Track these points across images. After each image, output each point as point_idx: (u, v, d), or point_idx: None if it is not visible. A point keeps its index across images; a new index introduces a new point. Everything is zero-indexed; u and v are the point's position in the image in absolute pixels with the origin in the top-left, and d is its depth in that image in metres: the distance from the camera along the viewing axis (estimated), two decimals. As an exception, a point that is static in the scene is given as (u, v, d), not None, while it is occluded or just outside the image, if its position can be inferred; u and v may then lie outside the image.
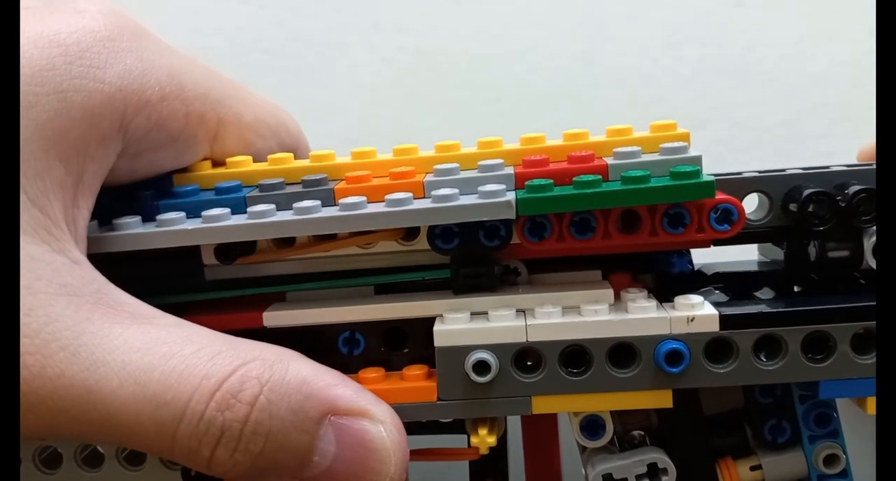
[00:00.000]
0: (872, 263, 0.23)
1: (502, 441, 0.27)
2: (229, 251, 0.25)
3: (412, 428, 0.23)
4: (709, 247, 0.24)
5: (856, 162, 0.26)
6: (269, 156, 0.25)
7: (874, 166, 0.24)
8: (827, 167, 0.25)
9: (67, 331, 0.20)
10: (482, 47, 0.43)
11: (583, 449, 0.25)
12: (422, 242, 0.24)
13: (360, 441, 0.21)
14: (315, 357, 0.22)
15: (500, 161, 0.24)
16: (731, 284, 0.25)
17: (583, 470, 0.29)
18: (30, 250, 0.20)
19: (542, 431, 0.29)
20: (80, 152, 0.21)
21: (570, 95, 0.43)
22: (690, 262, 0.25)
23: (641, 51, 0.43)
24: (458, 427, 0.27)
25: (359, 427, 0.21)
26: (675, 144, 0.23)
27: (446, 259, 0.24)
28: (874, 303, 0.22)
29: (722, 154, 0.43)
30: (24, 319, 0.19)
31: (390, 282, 0.25)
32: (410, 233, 0.24)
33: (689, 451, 0.24)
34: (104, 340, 0.20)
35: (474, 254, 0.24)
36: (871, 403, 0.23)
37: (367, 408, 0.21)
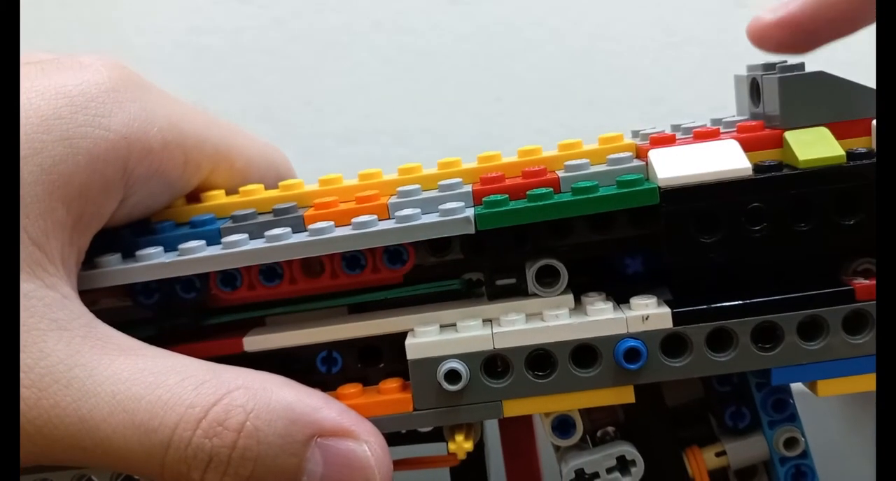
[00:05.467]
0: (534, 289, 0.25)
1: (480, 446, 0.28)
2: None
3: (392, 439, 0.24)
4: (400, 281, 0.25)
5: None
6: (241, 188, 0.27)
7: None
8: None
9: (60, 364, 0.21)
10: (482, 47, 0.44)
11: (557, 448, 0.27)
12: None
13: (345, 461, 0.22)
14: (295, 377, 0.24)
15: (458, 180, 0.25)
16: (684, 282, 0.26)
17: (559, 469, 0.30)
18: (24, 287, 0.21)
19: (519, 434, 0.30)
20: (82, 195, 0.22)
21: (570, 95, 0.44)
22: (643, 264, 0.26)
23: (641, 51, 0.44)
24: (437, 436, 0.28)
25: (344, 447, 0.22)
26: (621, 155, 0.25)
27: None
28: (817, 293, 0.23)
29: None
30: (20, 355, 0.21)
31: (363, 302, 0.26)
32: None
33: (656, 442, 0.26)
34: (94, 372, 0.21)
35: (176, 305, 0.25)
36: (822, 386, 0.24)
37: (352, 429, 0.22)
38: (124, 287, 0.26)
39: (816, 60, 0.25)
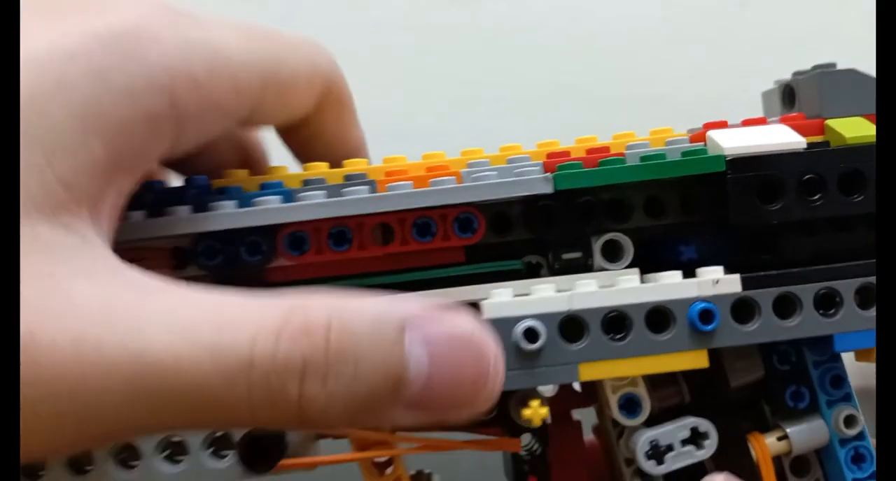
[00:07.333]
0: (601, 262, 0.25)
1: (544, 442, 0.27)
2: None
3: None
4: (461, 257, 0.25)
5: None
6: (305, 165, 0.27)
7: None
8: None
9: (95, 305, 0.19)
10: (482, 47, 0.43)
11: (620, 434, 0.26)
12: (193, 268, 0.25)
13: (449, 335, 0.19)
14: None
15: (527, 156, 0.26)
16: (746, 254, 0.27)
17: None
18: (41, 231, 0.19)
19: (568, 443, 0.29)
20: (123, 130, 0.21)
21: (570, 95, 0.43)
22: (697, 250, 0.27)
23: (642, 50, 0.44)
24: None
25: (445, 325, 0.19)
26: (679, 138, 0.27)
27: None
28: (873, 260, 0.25)
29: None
30: (46, 303, 0.18)
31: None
32: (180, 262, 0.25)
33: (721, 423, 0.25)
34: (137, 310, 0.19)
35: (238, 268, 0.25)
36: (872, 353, 0.25)
37: (440, 310, 0.20)
38: (181, 252, 0.25)
39: (817, 61, 0.27)
